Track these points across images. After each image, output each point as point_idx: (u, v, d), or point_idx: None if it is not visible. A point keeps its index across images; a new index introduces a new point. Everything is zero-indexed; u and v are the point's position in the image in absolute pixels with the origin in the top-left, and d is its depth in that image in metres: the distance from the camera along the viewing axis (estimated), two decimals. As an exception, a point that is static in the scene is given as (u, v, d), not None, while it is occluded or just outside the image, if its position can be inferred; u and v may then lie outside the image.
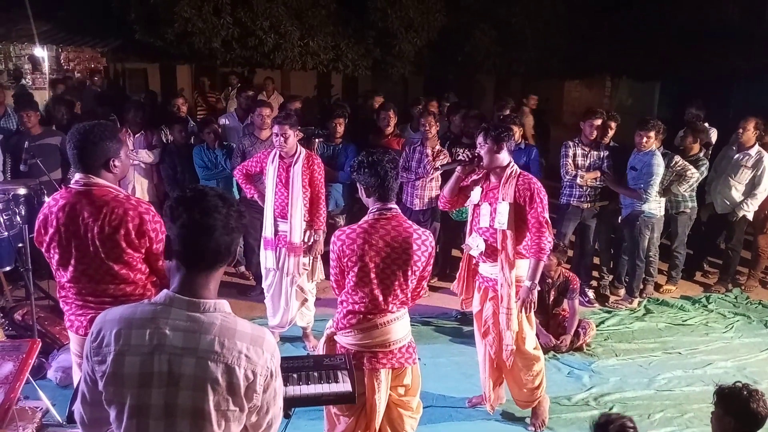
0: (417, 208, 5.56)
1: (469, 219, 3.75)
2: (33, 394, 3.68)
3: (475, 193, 3.65)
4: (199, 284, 1.63)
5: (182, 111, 6.52)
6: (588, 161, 5.52)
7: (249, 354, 1.59)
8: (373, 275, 2.68)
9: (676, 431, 3.86)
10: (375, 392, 2.77)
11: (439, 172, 5.22)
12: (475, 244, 3.65)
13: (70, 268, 2.65)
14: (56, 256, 2.66)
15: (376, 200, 2.74)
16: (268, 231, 4.49)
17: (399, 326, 2.80)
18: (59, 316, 4.71)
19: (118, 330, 1.58)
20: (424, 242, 2.73)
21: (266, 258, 4.55)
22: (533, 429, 3.82)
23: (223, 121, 6.30)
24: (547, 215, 3.49)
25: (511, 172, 3.51)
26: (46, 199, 5.04)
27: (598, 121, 5.49)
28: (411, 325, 5.34)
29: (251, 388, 1.60)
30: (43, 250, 2.70)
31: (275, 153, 4.40)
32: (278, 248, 4.47)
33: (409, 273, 2.71)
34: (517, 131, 5.63)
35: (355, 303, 2.75)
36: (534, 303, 3.59)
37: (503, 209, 3.45)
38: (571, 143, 5.62)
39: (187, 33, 7.78)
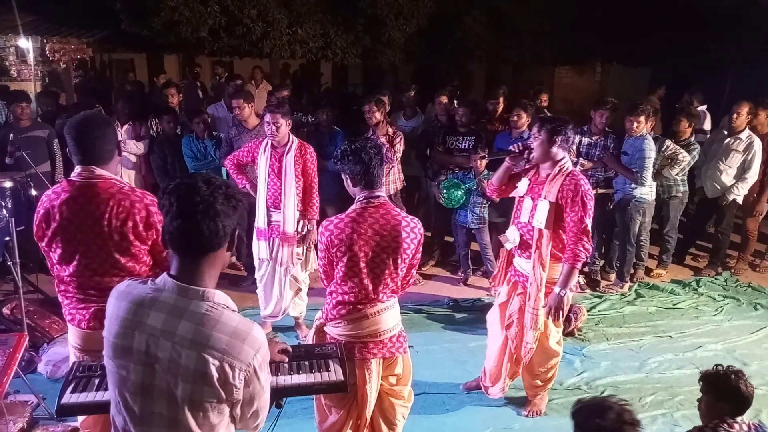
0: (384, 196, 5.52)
1: (513, 210, 3.65)
2: (23, 389, 3.67)
3: (522, 185, 3.54)
4: (192, 270, 1.63)
5: (173, 102, 6.45)
6: (595, 150, 5.52)
7: (226, 347, 1.57)
8: (362, 264, 2.65)
9: (666, 414, 3.89)
10: (366, 382, 2.76)
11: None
12: (511, 237, 3.59)
13: (74, 262, 2.60)
14: (58, 251, 2.60)
15: (362, 188, 2.70)
16: (260, 221, 4.46)
17: (389, 315, 2.78)
18: (49, 309, 4.70)
19: (114, 300, 1.67)
20: (413, 229, 2.70)
21: (259, 248, 4.52)
22: (526, 414, 3.84)
23: (211, 111, 6.23)
24: (589, 222, 3.33)
25: (560, 169, 3.36)
26: (33, 192, 5.05)
27: (608, 112, 5.47)
28: (403, 313, 5.35)
29: (229, 382, 1.58)
30: (42, 245, 2.65)
31: (267, 142, 4.35)
32: (271, 238, 4.44)
33: (399, 261, 2.69)
34: (525, 117, 5.60)
35: (344, 293, 2.73)
36: (564, 311, 3.44)
37: (543, 207, 3.34)
38: (577, 131, 5.62)
39: (173, 22, 7.67)
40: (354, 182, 2.72)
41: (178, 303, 1.59)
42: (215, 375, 1.56)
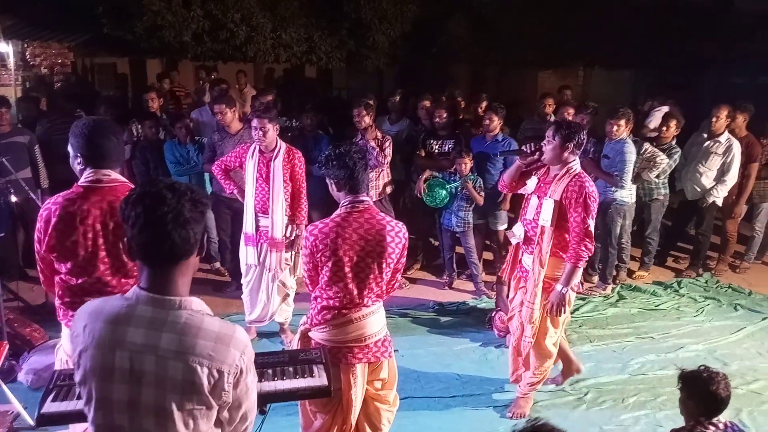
0: (373, 200, 5.54)
1: (521, 207, 3.79)
2: (3, 398, 3.62)
3: (531, 183, 3.66)
4: (165, 280, 1.60)
5: (153, 106, 6.41)
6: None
7: (213, 353, 1.56)
8: (347, 269, 2.66)
9: (649, 414, 3.93)
10: (351, 387, 2.76)
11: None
12: (517, 232, 3.72)
13: (94, 268, 2.54)
14: (77, 257, 2.52)
15: (347, 193, 2.70)
16: (249, 226, 4.43)
17: (374, 320, 2.78)
18: (29, 317, 4.65)
19: (86, 324, 1.60)
20: (397, 234, 2.71)
21: (247, 254, 4.50)
22: (510, 416, 3.87)
23: (195, 115, 6.19)
24: (591, 223, 3.42)
25: (568, 170, 3.46)
26: (13, 198, 4.99)
27: (588, 116, 5.53)
28: (388, 317, 5.34)
29: (218, 387, 1.58)
30: (43, 249, 2.56)
31: (255, 147, 4.33)
32: (259, 243, 4.43)
33: (384, 265, 2.69)
34: (497, 120, 5.67)
35: (329, 298, 2.72)
36: (564, 308, 3.51)
37: (548, 206, 3.45)
38: None
39: (156, 26, 7.65)
40: (338, 187, 2.72)
41: (156, 315, 1.57)
42: (205, 383, 1.55)
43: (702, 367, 2.72)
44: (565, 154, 3.44)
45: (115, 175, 2.60)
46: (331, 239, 2.64)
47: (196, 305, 1.63)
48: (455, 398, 4.06)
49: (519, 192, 3.87)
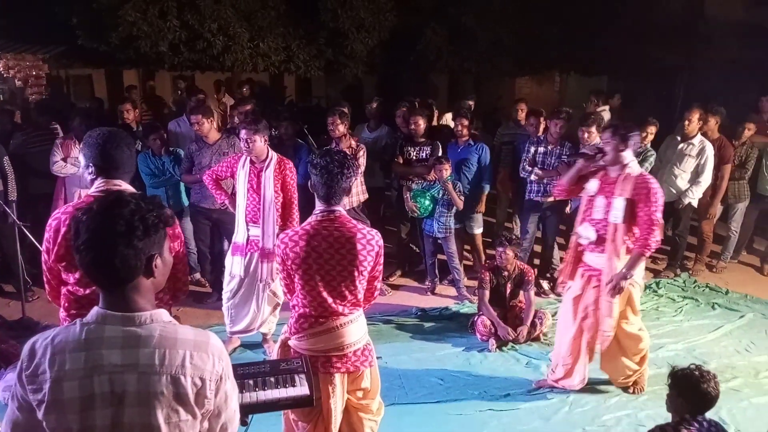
0: (347, 208, 5.53)
1: (581, 209, 3.96)
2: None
3: (592, 185, 3.86)
4: (124, 299, 1.55)
5: (128, 117, 6.33)
6: (550, 159, 5.64)
7: (194, 361, 1.55)
8: (318, 278, 2.64)
9: (631, 414, 3.97)
10: (330, 397, 2.74)
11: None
12: (585, 233, 3.86)
13: None
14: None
15: (320, 201, 2.70)
16: (239, 236, 4.39)
17: (353, 329, 2.76)
18: (6, 333, 4.56)
19: (52, 355, 1.50)
20: (369, 241, 2.68)
21: (233, 264, 4.45)
22: (631, 392, 4.16)
23: (173, 126, 6.14)
24: (659, 215, 3.66)
25: (630, 170, 3.70)
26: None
27: (562, 122, 5.61)
28: (371, 324, 5.34)
29: (201, 395, 1.56)
30: (51, 260, 2.53)
31: (246, 157, 4.32)
32: (249, 254, 4.39)
33: (356, 274, 2.67)
34: (464, 125, 5.75)
35: (305, 306, 2.71)
36: (622, 289, 3.73)
37: (619, 204, 3.66)
38: (533, 140, 5.75)
39: (132, 37, 7.58)
40: (315, 194, 2.72)
41: (128, 334, 1.53)
42: (190, 392, 1.53)
43: (693, 366, 2.77)
44: (624, 153, 3.68)
45: (125, 185, 2.60)
46: (300, 247, 2.63)
47: (166, 316, 1.61)
48: (439, 404, 4.06)
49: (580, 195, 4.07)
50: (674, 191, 6.15)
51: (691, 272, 6.49)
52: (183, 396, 1.53)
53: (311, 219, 2.72)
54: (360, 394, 2.89)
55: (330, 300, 2.68)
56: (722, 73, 8.81)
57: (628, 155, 3.72)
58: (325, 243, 2.63)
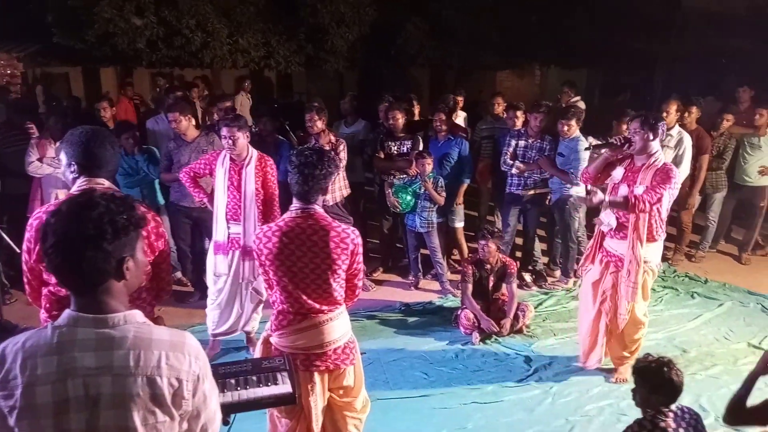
0: (330, 204, 5.53)
1: (607, 197, 3.97)
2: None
3: (617, 173, 3.96)
4: (100, 300, 1.53)
5: (105, 116, 6.24)
6: (531, 152, 5.67)
7: (170, 362, 1.53)
8: (291, 274, 2.62)
9: (613, 404, 4.01)
10: (309, 395, 2.72)
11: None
12: (607, 220, 3.99)
13: None
14: None
15: (297, 199, 2.68)
16: (220, 235, 4.33)
17: (334, 326, 2.73)
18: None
19: (23, 360, 1.47)
20: (343, 239, 2.64)
21: (216, 263, 4.37)
22: (614, 381, 4.25)
23: (150, 125, 6.06)
24: (666, 194, 3.73)
25: (656, 160, 3.79)
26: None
27: (542, 115, 5.63)
28: (355, 320, 5.34)
29: (178, 395, 1.54)
30: (32, 259, 2.49)
31: (225, 155, 4.26)
32: (231, 251, 4.35)
33: (329, 273, 2.64)
34: (441, 120, 5.76)
35: (282, 303, 2.70)
36: (590, 202, 3.87)
37: (640, 192, 3.73)
38: (514, 134, 5.78)
39: (109, 34, 7.48)
40: (292, 191, 2.69)
41: (101, 336, 1.50)
42: (166, 393, 1.52)
43: (647, 356, 2.80)
44: (652, 143, 3.77)
45: (108, 184, 2.56)
46: (273, 243, 2.61)
47: (139, 316, 1.58)
48: (424, 398, 4.07)
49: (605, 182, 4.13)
50: (653, 182, 6.21)
51: (670, 262, 6.56)
52: (160, 397, 1.51)
53: (286, 215, 2.70)
54: (342, 392, 2.87)
55: (305, 297, 2.66)
56: (699, 64, 8.92)
57: (655, 144, 3.81)
58: (297, 241, 2.60)
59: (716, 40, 8.92)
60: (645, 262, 3.92)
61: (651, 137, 3.77)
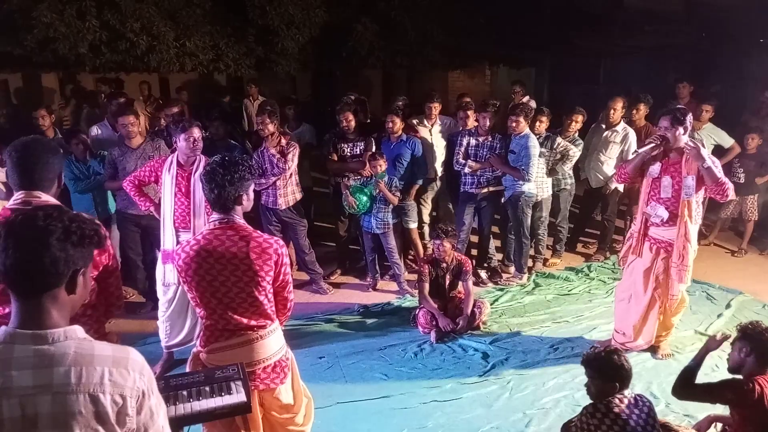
0: (283, 208, 5.49)
1: (646, 190, 4.26)
2: None
3: (655, 168, 4.20)
4: (39, 313, 1.48)
5: (44, 124, 6.00)
6: (482, 151, 5.73)
7: (113, 378, 1.48)
8: (214, 289, 2.52)
9: (568, 395, 4.10)
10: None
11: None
12: (654, 212, 4.22)
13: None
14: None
15: (214, 210, 2.57)
16: (168, 243, 4.18)
17: (264, 344, 2.64)
18: None
19: None
20: (265, 250, 2.52)
21: (165, 272, 4.23)
22: (660, 357, 4.53)
23: (95, 131, 5.86)
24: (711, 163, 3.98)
25: (690, 150, 3.98)
26: None
27: (490, 114, 5.69)
28: (314, 323, 5.31)
29: (122, 413, 1.50)
30: None
31: (171, 161, 4.15)
32: None
33: (254, 285, 2.53)
34: (399, 122, 5.79)
35: (206, 318, 2.60)
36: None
37: (690, 183, 4.02)
38: (465, 133, 5.84)
39: (49, 39, 7.20)
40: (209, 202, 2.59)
41: (39, 353, 1.45)
42: (110, 411, 1.47)
43: (593, 347, 2.89)
44: (683, 136, 4.03)
45: (46, 197, 2.45)
46: (191, 257, 2.50)
47: (80, 332, 1.53)
48: (384, 399, 4.07)
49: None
50: (601, 177, 6.39)
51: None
52: (103, 415, 1.47)
53: (204, 229, 2.58)
54: (281, 409, 2.78)
55: (230, 312, 2.55)
56: (641, 60, 9.21)
57: (684, 137, 4.05)
58: (216, 254, 2.48)
59: (657, 38, 9.23)
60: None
61: (682, 132, 4.01)
